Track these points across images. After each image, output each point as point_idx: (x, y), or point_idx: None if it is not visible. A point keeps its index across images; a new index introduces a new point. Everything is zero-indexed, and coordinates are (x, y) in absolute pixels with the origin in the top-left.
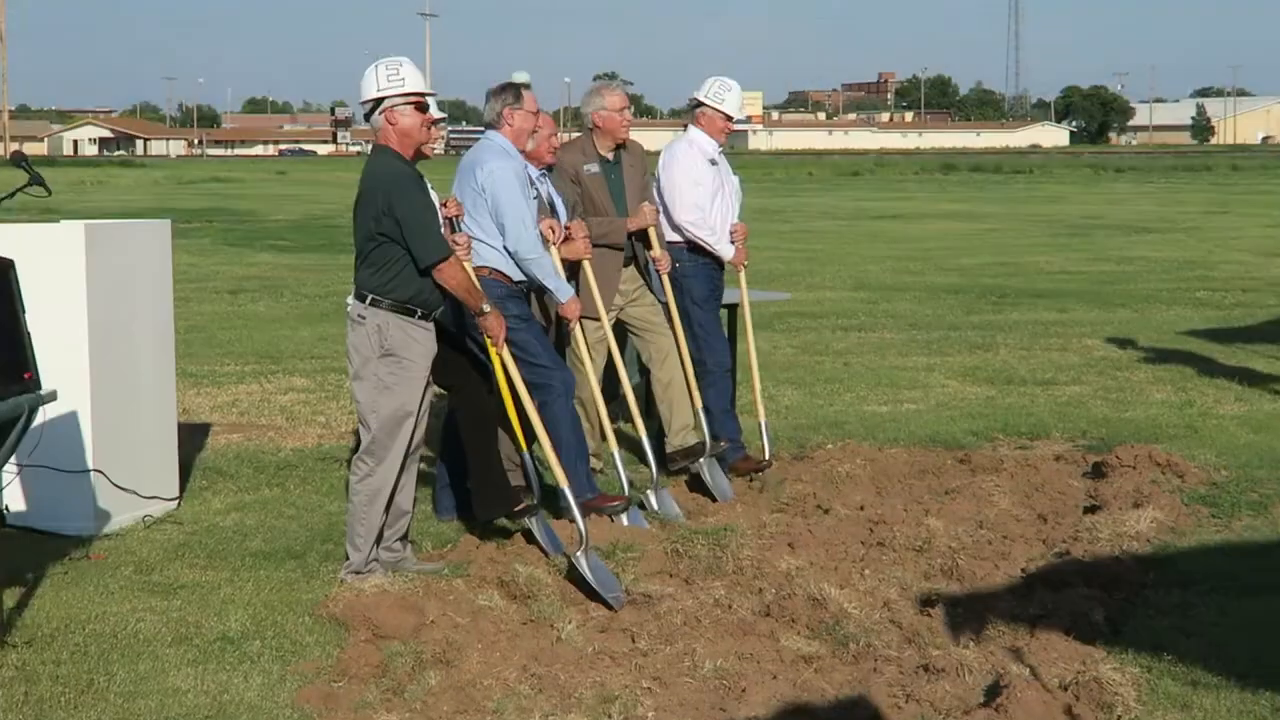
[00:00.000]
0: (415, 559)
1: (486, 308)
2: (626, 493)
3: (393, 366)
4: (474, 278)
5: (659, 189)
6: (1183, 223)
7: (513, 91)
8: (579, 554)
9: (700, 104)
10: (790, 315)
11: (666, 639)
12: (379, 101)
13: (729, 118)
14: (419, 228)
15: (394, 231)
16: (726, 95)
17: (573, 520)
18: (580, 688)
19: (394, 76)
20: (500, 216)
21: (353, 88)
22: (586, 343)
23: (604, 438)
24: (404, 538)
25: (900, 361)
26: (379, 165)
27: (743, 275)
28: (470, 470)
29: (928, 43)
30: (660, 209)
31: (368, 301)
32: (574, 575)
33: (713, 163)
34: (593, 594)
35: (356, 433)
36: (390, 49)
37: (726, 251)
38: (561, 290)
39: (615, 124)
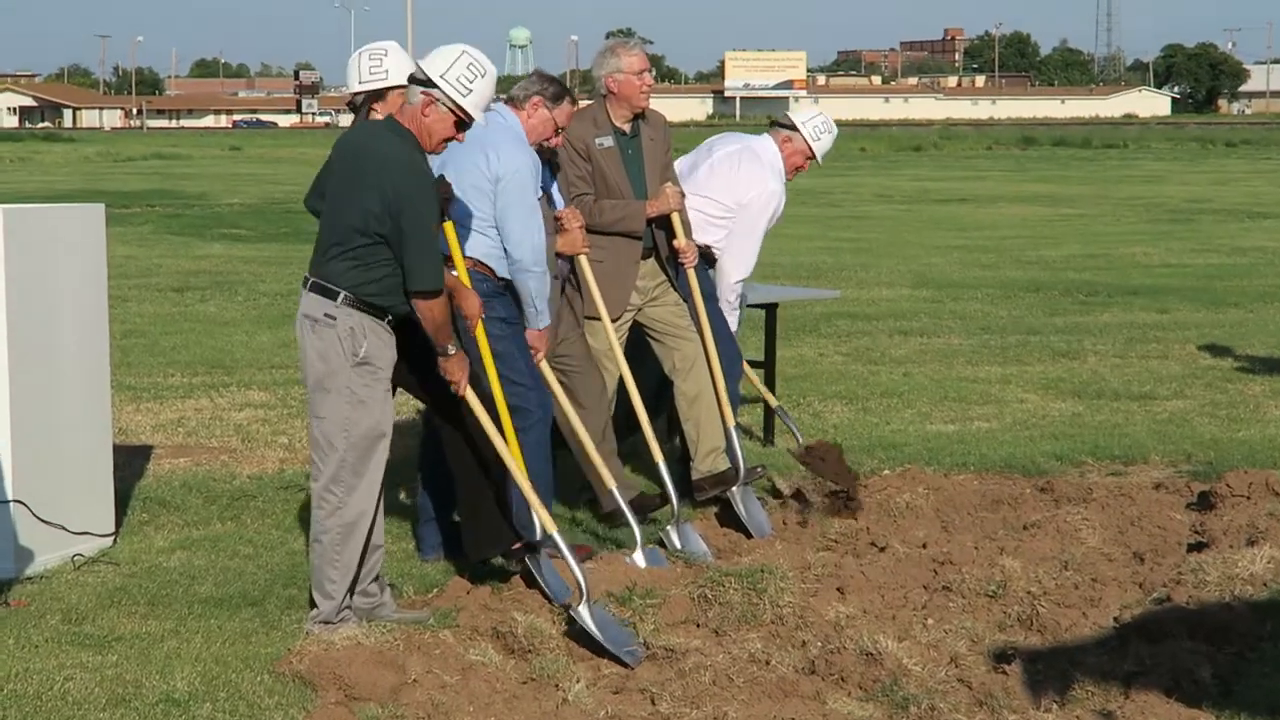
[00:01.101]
0: (394, 606)
1: (452, 350)
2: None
3: (367, 377)
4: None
5: (707, 180)
6: None
7: (555, 89)
8: (580, 608)
9: (793, 128)
10: (839, 316)
11: (693, 701)
12: (432, 82)
13: (811, 159)
14: (426, 247)
15: (393, 236)
16: (824, 136)
17: (568, 567)
18: None
19: (466, 82)
20: (507, 219)
21: (318, 47)
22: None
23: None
24: (377, 578)
25: (970, 372)
26: (399, 151)
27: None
28: (459, 501)
29: None
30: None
31: (339, 299)
32: (577, 631)
33: None
34: (603, 651)
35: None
36: (364, 2)
37: (733, 323)
38: (542, 316)
39: (633, 90)
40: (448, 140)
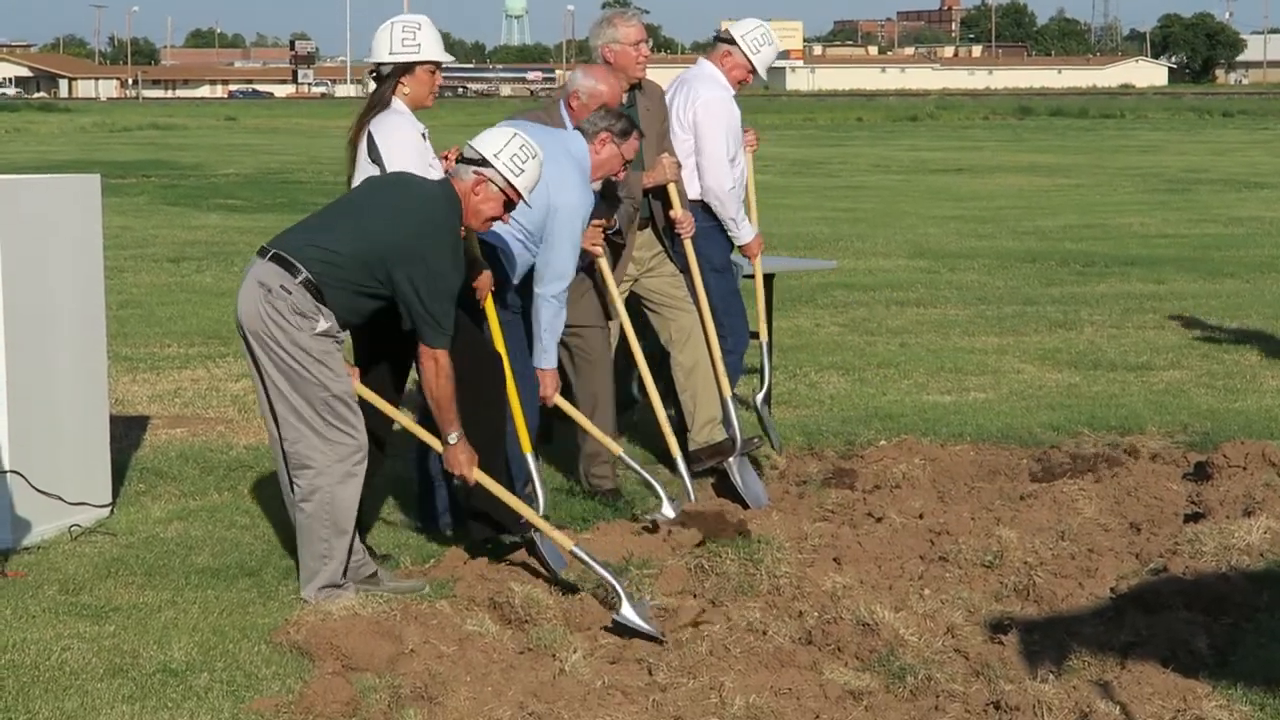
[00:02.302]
0: (391, 576)
1: (453, 438)
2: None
3: (329, 345)
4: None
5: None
6: None
7: (624, 125)
8: (624, 609)
9: (731, 42)
10: (836, 287)
11: (689, 671)
12: (485, 161)
13: (753, 73)
14: (443, 311)
15: (400, 292)
16: (765, 49)
17: (589, 568)
18: None
19: (519, 162)
20: (550, 249)
21: (314, 17)
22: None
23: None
24: (363, 539)
25: (966, 342)
26: (447, 221)
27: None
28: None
29: None
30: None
31: (299, 278)
32: (619, 626)
33: None
34: (641, 634)
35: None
36: None
37: (747, 234)
38: (548, 355)
39: (629, 60)
40: (493, 220)
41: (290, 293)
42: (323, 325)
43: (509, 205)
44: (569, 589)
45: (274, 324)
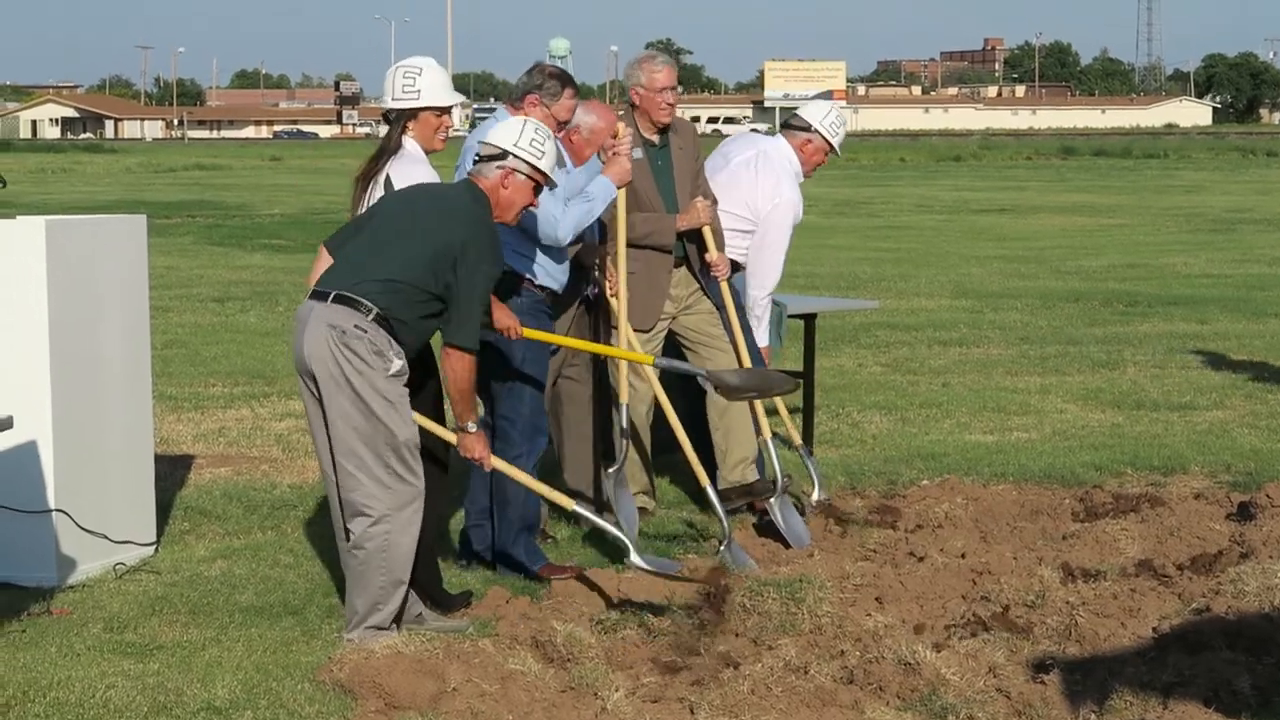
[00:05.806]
0: (434, 615)
1: (472, 427)
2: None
3: (399, 387)
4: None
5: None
6: None
7: (557, 83)
8: (633, 557)
9: (808, 129)
10: (878, 327)
11: (731, 711)
12: (506, 154)
13: (831, 152)
14: (477, 306)
15: (448, 284)
16: (841, 129)
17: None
18: None
19: (539, 145)
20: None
21: (359, 58)
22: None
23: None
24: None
25: (1009, 382)
26: (472, 207)
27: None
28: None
29: (1043, 3)
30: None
31: (371, 316)
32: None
33: None
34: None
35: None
36: (405, 10)
37: (763, 339)
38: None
39: (654, 106)
40: (524, 209)
41: (365, 331)
42: (396, 366)
43: (537, 190)
44: (610, 629)
45: (351, 367)
